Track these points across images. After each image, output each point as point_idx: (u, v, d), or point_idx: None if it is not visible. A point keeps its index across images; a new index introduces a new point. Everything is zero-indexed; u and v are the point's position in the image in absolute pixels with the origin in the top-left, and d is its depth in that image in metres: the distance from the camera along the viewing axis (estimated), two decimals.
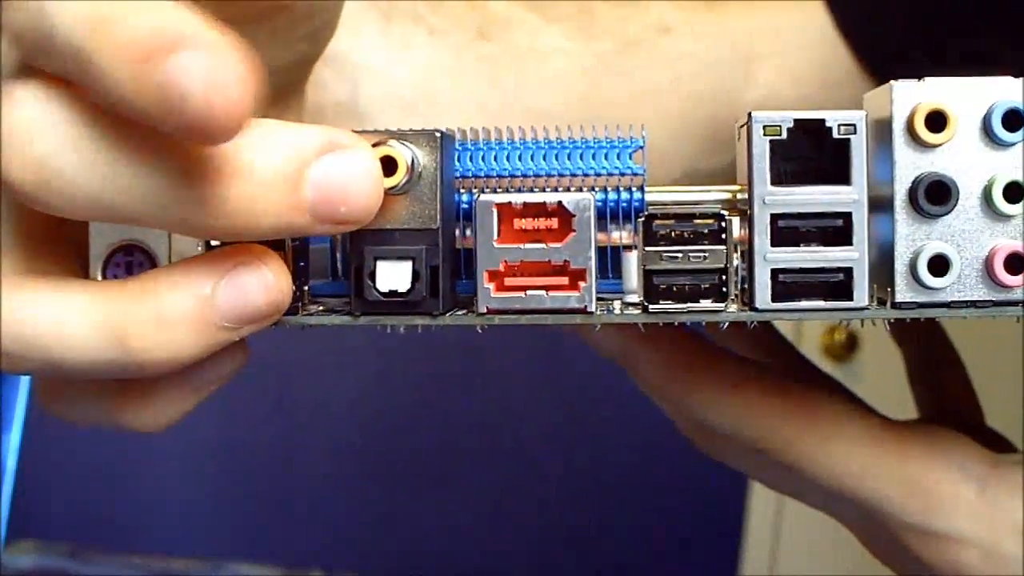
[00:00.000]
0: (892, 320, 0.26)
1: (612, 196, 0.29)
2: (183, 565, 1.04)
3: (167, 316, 0.23)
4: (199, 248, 0.26)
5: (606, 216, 0.29)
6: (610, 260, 0.29)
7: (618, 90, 0.44)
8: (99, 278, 0.27)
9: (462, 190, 0.29)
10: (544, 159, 0.29)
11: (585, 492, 1.76)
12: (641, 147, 0.29)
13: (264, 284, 0.24)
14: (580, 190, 0.29)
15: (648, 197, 0.29)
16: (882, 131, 0.26)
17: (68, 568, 0.99)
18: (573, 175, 0.29)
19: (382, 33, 0.41)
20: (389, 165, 0.24)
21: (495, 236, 0.25)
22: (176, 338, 0.23)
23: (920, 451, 0.32)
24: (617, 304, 0.27)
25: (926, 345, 0.40)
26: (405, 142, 0.25)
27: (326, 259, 0.31)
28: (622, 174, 0.29)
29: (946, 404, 0.39)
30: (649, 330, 0.32)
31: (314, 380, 1.77)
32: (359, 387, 1.77)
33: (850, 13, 0.46)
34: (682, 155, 0.43)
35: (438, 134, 0.25)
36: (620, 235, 0.29)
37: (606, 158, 0.29)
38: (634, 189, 0.29)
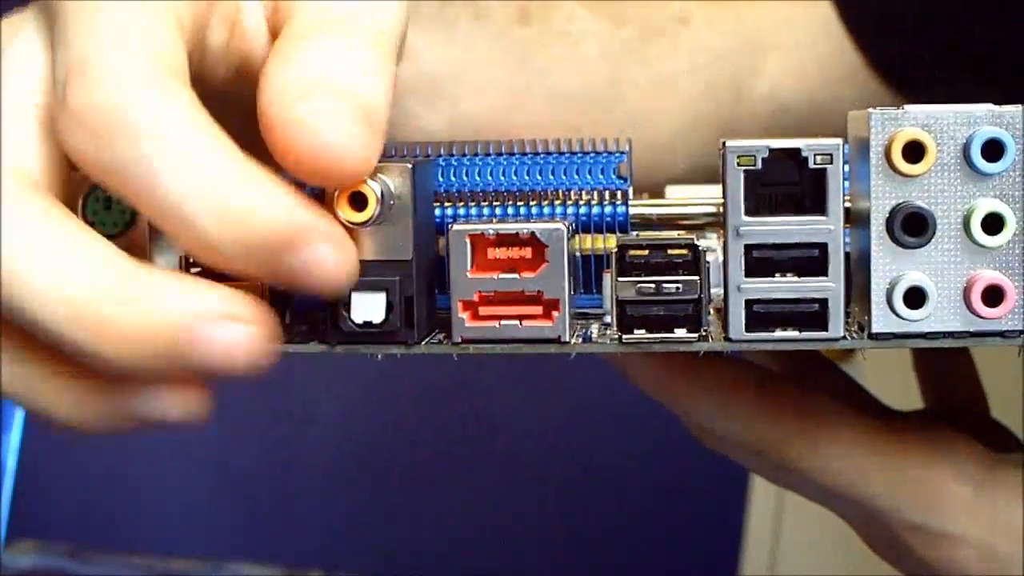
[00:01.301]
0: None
1: (596, 210, 0.32)
2: (183, 565, 1.07)
3: (142, 326, 0.25)
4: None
5: (590, 229, 0.32)
6: (593, 274, 0.32)
7: (638, 77, 0.47)
8: None
9: (446, 204, 0.32)
10: (528, 173, 0.32)
11: (584, 493, 1.80)
12: (624, 160, 0.32)
13: (247, 346, 0.26)
14: (564, 204, 0.31)
15: (633, 210, 0.32)
16: (865, 151, 0.28)
17: (68, 568, 1.03)
18: (556, 189, 0.32)
19: (436, 11, 0.44)
20: (359, 200, 0.27)
21: (468, 267, 0.28)
22: (135, 348, 0.25)
23: (918, 449, 0.34)
24: (595, 328, 0.30)
25: None
26: (376, 176, 0.27)
27: None
28: (605, 188, 0.32)
29: (951, 396, 0.41)
30: None
31: (314, 380, 1.81)
32: (359, 387, 1.81)
33: (857, 9, 0.48)
34: (687, 150, 0.46)
35: (410, 165, 0.28)
36: (604, 248, 0.31)
37: (590, 173, 0.31)
38: (618, 203, 0.32)
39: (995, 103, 0.27)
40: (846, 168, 0.28)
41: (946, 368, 0.42)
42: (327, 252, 0.25)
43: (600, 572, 1.80)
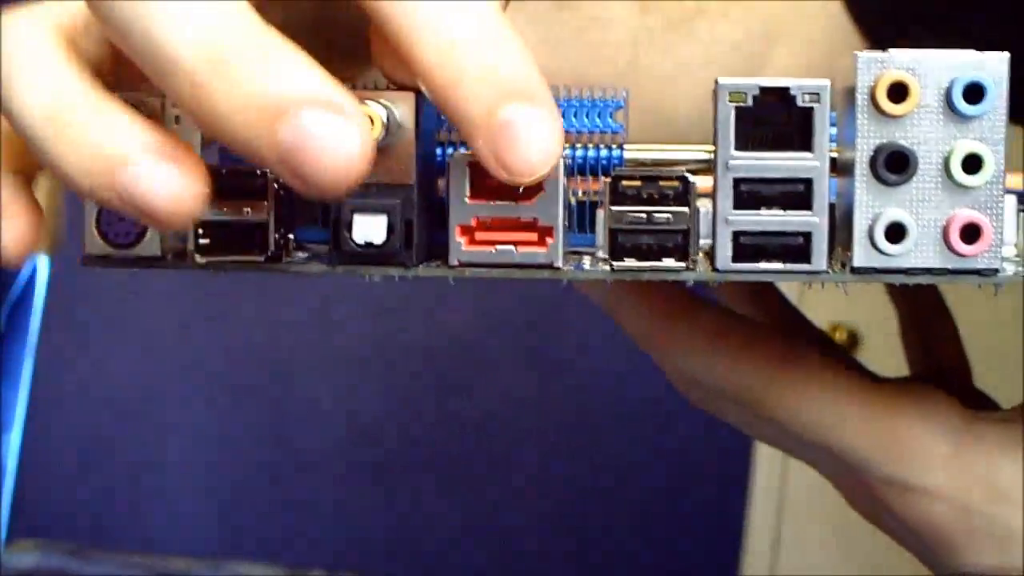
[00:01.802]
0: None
1: (592, 153, 0.33)
2: (183, 565, 1.09)
3: (92, 141, 0.26)
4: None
5: (586, 172, 0.33)
6: (588, 215, 0.33)
7: (660, 64, 0.49)
8: (94, 224, 0.31)
9: (447, 142, 0.33)
10: None
11: (585, 492, 1.82)
12: (621, 107, 0.33)
13: (170, 192, 0.26)
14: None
15: (628, 155, 0.33)
16: (852, 97, 0.29)
17: (69, 567, 1.04)
18: None
19: None
20: None
21: (467, 193, 0.29)
22: (77, 157, 0.26)
23: (897, 404, 0.35)
24: (587, 260, 0.31)
25: (918, 301, 0.43)
26: (382, 100, 0.29)
27: (317, 205, 0.35)
28: (602, 132, 0.33)
29: (933, 360, 0.42)
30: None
31: (314, 380, 1.83)
32: (360, 386, 1.83)
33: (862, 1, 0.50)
34: (701, 135, 0.48)
35: (415, 93, 0.29)
36: (600, 191, 0.33)
37: (587, 116, 0.33)
38: (614, 147, 0.33)
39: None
40: (833, 115, 0.30)
41: (930, 334, 0.43)
42: (328, 123, 0.24)
43: (600, 572, 1.81)
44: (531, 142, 0.26)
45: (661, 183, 0.29)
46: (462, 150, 0.31)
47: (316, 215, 0.33)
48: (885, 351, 0.48)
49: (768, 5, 0.51)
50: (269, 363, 1.83)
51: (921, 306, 0.43)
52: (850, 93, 0.29)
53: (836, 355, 0.38)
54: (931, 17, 0.49)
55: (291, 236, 0.31)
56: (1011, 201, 0.31)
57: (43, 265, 0.94)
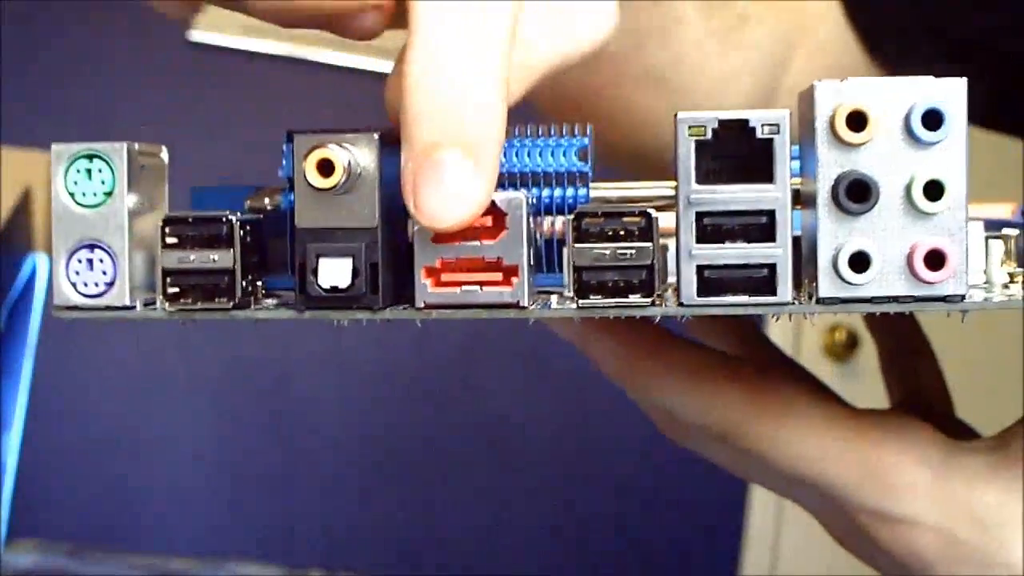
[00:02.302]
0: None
1: (558, 192, 0.33)
2: (183, 565, 1.08)
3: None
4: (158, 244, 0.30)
5: (552, 211, 0.33)
6: (555, 254, 0.33)
7: (711, 68, 0.49)
8: (63, 274, 0.31)
9: None
10: None
11: (585, 493, 1.81)
12: (585, 146, 0.33)
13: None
14: (527, 187, 0.33)
15: (594, 193, 0.33)
16: (812, 126, 0.29)
17: (68, 567, 1.04)
18: (520, 172, 0.33)
19: None
20: (326, 167, 0.28)
21: (431, 234, 0.29)
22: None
23: (878, 435, 0.35)
24: (555, 298, 0.31)
25: (897, 333, 0.43)
26: (344, 144, 0.28)
27: (285, 254, 0.34)
28: (568, 172, 0.33)
29: (914, 392, 0.42)
30: (604, 320, 0.36)
31: (314, 379, 1.83)
32: (360, 386, 1.83)
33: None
34: None
35: (376, 135, 0.29)
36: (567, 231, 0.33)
37: (552, 156, 0.33)
38: (579, 185, 0.33)
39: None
40: (796, 148, 0.29)
41: (910, 365, 0.42)
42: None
43: (600, 572, 1.80)
44: (451, 192, 0.27)
45: (624, 219, 0.29)
46: None
47: (285, 263, 0.33)
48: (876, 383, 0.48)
49: (791, 13, 0.51)
50: (269, 363, 1.82)
51: (900, 337, 0.43)
52: (810, 123, 0.29)
53: (815, 387, 0.38)
54: (930, 30, 0.49)
55: (259, 283, 0.31)
56: (977, 228, 0.31)
57: (43, 265, 0.94)
